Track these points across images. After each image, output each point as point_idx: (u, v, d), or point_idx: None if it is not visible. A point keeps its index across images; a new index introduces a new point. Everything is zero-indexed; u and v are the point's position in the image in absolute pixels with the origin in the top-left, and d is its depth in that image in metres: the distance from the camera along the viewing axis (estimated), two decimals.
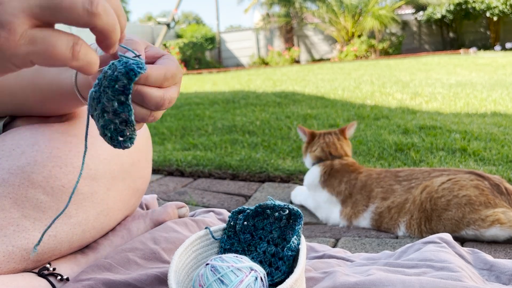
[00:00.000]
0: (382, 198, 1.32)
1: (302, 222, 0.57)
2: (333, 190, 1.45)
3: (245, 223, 0.62)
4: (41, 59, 0.31)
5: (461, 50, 9.90)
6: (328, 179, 1.48)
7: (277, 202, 0.60)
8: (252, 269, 0.48)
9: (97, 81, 0.38)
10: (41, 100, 0.59)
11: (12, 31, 0.29)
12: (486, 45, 11.14)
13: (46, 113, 0.63)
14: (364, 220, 1.34)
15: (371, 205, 1.33)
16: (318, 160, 1.55)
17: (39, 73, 0.57)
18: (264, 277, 0.50)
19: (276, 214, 0.60)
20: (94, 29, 0.33)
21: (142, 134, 0.74)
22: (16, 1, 0.29)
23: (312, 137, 1.62)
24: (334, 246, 1.22)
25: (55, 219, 0.42)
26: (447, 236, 0.75)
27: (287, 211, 0.59)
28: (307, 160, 1.61)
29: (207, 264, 0.49)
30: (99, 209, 0.63)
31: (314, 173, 1.53)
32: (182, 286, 0.53)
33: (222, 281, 0.46)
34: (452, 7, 10.69)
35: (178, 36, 13.60)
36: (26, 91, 0.59)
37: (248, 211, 0.62)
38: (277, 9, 12.84)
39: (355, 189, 1.40)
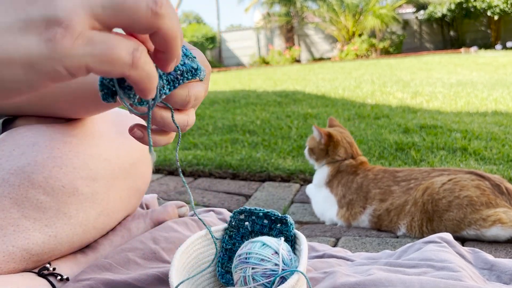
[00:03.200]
0: (380, 200, 1.31)
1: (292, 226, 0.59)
2: (333, 190, 1.45)
3: (246, 223, 0.62)
4: (98, 62, 0.27)
5: (462, 49, 9.89)
6: (331, 180, 1.48)
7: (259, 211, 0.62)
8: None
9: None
10: (71, 102, 0.58)
11: (70, 28, 0.26)
12: (487, 44, 11.13)
13: (71, 116, 0.62)
14: (363, 222, 1.34)
15: (369, 207, 1.33)
16: (335, 160, 1.49)
17: None
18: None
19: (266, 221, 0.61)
20: (156, 35, 0.29)
21: None
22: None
23: (330, 138, 1.49)
24: (335, 245, 1.22)
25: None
26: (448, 236, 0.75)
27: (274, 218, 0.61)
28: (321, 163, 1.52)
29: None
30: (99, 209, 0.63)
31: (323, 173, 1.50)
32: (183, 285, 0.53)
33: (266, 244, 0.52)
34: (453, 6, 10.67)
35: None
36: (56, 91, 0.57)
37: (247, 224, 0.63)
38: (278, 8, 12.84)
39: (350, 190, 1.39)
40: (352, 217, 1.36)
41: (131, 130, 0.38)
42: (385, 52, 11.15)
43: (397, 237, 1.25)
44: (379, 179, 1.35)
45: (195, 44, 12.13)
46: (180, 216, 0.84)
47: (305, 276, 0.48)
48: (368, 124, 2.71)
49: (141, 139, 0.40)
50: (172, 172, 2.11)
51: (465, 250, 0.73)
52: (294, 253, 0.57)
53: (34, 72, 0.26)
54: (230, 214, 0.65)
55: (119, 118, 0.71)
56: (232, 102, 4.07)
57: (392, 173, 1.36)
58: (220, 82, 6.62)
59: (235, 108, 3.71)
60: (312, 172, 1.82)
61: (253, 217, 0.62)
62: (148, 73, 0.29)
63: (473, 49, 9.66)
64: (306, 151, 1.58)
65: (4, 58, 0.26)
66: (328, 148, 1.49)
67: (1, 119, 0.65)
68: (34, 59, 0.26)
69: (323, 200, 1.47)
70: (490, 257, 0.70)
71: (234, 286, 0.55)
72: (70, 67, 0.27)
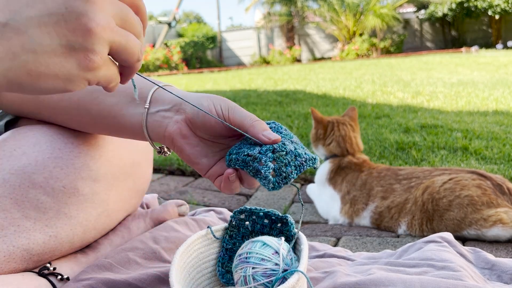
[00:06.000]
0: (382, 197, 1.31)
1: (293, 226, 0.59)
2: (336, 187, 1.45)
3: (247, 222, 0.62)
4: (108, 81, 0.38)
5: (463, 49, 9.88)
6: (334, 177, 1.47)
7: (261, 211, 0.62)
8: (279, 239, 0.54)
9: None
10: (92, 124, 0.60)
11: (100, 57, 0.35)
12: (488, 44, 11.12)
13: (94, 133, 0.64)
14: (364, 219, 1.34)
15: (371, 204, 1.33)
16: (333, 155, 1.50)
17: (91, 98, 0.58)
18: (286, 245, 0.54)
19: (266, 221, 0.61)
20: (132, 68, 0.40)
21: None
22: (105, 32, 0.34)
23: (325, 126, 1.51)
24: (335, 245, 1.22)
25: None
26: (448, 235, 0.75)
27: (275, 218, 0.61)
28: (320, 151, 1.54)
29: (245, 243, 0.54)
30: (100, 210, 0.63)
31: (324, 170, 1.50)
32: (183, 285, 0.53)
33: (267, 244, 0.52)
34: (454, 6, 10.66)
35: (179, 35, 13.61)
36: (72, 112, 0.60)
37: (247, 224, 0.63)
38: (278, 8, 12.83)
39: (354, 187, 1.39)
40: (355, 213, 1.36)
41: (229, 174, 0.50)
42: (386, 52, 11.14)
43: (398, 236, 1.25)
44: (382, 177, 1.35)
45: (195, 43, 12.13)
46: (180, 215, 0.84)
47: (305, 276, 0.48)
48: (369, 124, 2.71)
49: (231, 184, 0.52)
50: (173, 172, 2.11)
51: (465, 249, 0.73)
52: (295, 253, 0.57)
53: (70, 83, 0.35)
54: (231, 213, 0.65)
55: None
56: (232, 101, 4.06)
57: (395, 171, 1.36)
58: (220, 81, 6.62)
59: None
60: (312, 172, 1.82)
61: (254, 217, 0.62)
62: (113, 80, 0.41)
63: (474, 48, 9.65)
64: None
65: (52, 75, 0.34)
66: (317, 131, 1.54)
67: (4, 120, 0.65)
68: (72, 76, 0.35)
69: (327, 199, 1.47)
70: (491, 256, 0.70)
71: (234, 285, 0.55)
72: (91, 82, 0.37)
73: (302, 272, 0.48)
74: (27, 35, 0.32)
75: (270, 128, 0.54)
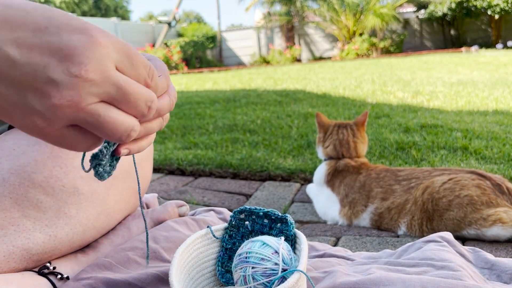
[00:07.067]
0: (381, 198, 1.31)
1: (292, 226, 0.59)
2: (334, 189, 1.46)
3: (246, 222, 0.62)
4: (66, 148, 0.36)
5: (463, 48, 9.88)
6: (332, 180, 1.48)
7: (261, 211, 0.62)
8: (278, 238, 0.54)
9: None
10: None
11: (50, 126, 0.32)
12: (487, 43, 11.12)
13: None
14: (364, 220, 1.34)
15: (370, 205, 1.33)
16: (330, 157, 1.52)
17: None
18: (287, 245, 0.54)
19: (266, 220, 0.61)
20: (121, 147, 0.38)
21: None
22: (68, 108, 0.30)
23: (325, 129, 1.54)
24: (335, 245, 1.22)
25: None
26: (448, 235, 0.75)
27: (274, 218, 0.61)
28: (320, 152, 1.57)
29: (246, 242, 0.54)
30: (99, 209, 0.63)
31: (321, 171, 1.52)
32: (183, 284, 0.53)
33: (266, 244, 0.52)
34: (453, 5, 10.66)
35: (179, 35, 13.61)
36: None
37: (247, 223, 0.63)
38: (278, 7, 12.84)
39: (353, 189, 1.40)
40: (354, 215, 1.36)
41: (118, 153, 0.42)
42: (386, 52, 11.14)
43: (398, 236, 1.25)
44: (381, 178, 1.35)
45: (195, 43, 12.13)
46: (180, 216, 0.84)
47: (306, 275, 0.48)
48: (369, 124, 2.71)
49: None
50: (173, 172, 2.11)
51: (465, 249, 0.73)
52: (294, 253, 0.57)
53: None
54: (231, 213, 0.65)
55: None
56: (232, 101, 4.07)
57: (394, 172, 1.36)
58: (220, 81, 6.61)
59: (235, 108, 3.71)
60: (312, 172, 1.82)
61: (253, 217, 0.62)
62: (139, 147, 0.39)
63: (474, 48, 9.65)
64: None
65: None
66: (319, 134, 1.57)
67: (7, 124, 0.65)
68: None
69: (325, 199, 1.47)
70: (490, 256, 0.70)
71: (234, 285, 0.55)
72: (51, 143, 0.34)
73: (302, 272, 0.48)
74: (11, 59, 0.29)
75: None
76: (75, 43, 0.30)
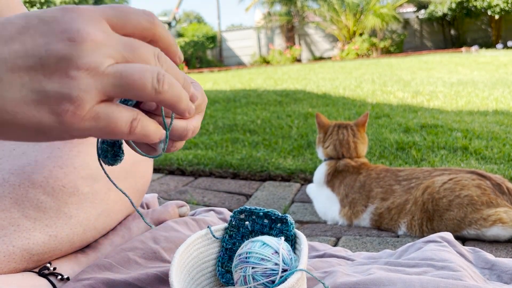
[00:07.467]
0: (381, 198, 1.31)
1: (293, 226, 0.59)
2: (334, 190, 1.46)
3: (246, 222, 0.62)
4: (100, 134, 0.32)
5: (463, 49, 9.88)
6: (332, 180, 1.48)
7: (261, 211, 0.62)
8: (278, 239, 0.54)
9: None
10: None
11: (81, 107, 0.29)
12: (488, 43, 11.12)
13: None
14: (364, 221, 1.34)
15: (370, 206, 1.33)
16: (330, 158, 1.52)
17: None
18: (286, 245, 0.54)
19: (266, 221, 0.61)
20: (161, 103, 0.34)
21: None
22: (90, 77, 0.29)
23: (326, 130, 1.55)
24: (335, 245, 1.22)
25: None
26: (448, 235, 0.75)
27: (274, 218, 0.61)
28: (320, 153, 1.57)
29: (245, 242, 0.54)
30: (100, 209, 0.63)
31: (321, 171, 1.52)
32: (183, 285, 0.53)
33: (266, 244, 0.52)
34: (453, 5, 10.67)
35: (180, 35, 13.61)
36: None
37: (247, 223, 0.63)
38: (278, 7, 12.84)
39: (353, 189, 1.40)
40: (354, 215, 1.36)
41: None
42: (386, 52, 11.14)
43: (398, 236, 1.25)
44: (381, 178, 1.35)
45: (195, 43, 12.14)
46: (180, 216, 0.84)
47: (309, 273, 0.48)
48: (369, 124, 2.71)
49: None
50: (173, 172, 2.11)
51: (465, 249, 0.73)
52: (294, 253, 0.57)
53: (42, 135, 0.30)
54: (231, 213, 0.65)
55: None
56: (232, 101, 4.07)
57: (394, 172, 1.36)
58: (220, 81, 6.62)
59: (235, 108, 3.71)
60: (312, 172, 1.82)
61: (253, 217, 0.62)
62: (144, 134, 0.34)
63: (474, 48, 9.65)
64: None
65: (19, 124, 0.29)
66: (319, 135, 1.58)
67: None
68: (44, 128, 0.29)
69: (325, 199, 1.48)
70: (490, 256, 0.70)
71: (234, 285, 0.55)
72: (75, 136, 0.31)
73: (304, 270, 0.48)
74: None
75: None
76: (63, 18, 0.29)
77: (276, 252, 0.51)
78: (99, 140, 0.41)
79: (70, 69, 0.28)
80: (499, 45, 10.30)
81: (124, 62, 0.31)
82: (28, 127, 0.29)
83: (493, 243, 1.13)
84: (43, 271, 0.58)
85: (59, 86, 0.28)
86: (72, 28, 0.29)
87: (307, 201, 1.62)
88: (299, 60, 12.30)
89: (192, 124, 0.41)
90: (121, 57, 0.31)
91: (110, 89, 0.30)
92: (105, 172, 0.42)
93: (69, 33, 0.28)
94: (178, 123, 0.40)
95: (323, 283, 0.49)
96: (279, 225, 0.61)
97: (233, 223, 0.62)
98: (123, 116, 0.32)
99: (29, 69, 0.28)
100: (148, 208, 0.90)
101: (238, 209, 0.62)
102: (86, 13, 0.30)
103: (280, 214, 0.60)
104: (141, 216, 0.45)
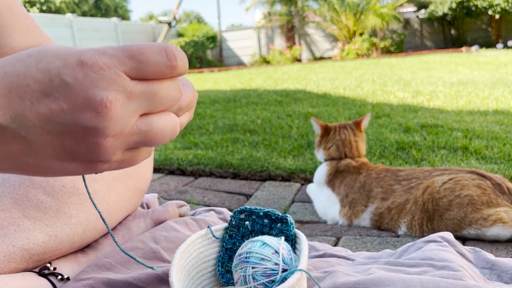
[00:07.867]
0: (382, 198, 1.31)
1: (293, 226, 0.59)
2: (334, 190, 1.46)
3: (247, 222, 0.62)
4: (122, 168, 0.35)
5: (463, 48, 9.88)
6: (332, 180, 1.48)
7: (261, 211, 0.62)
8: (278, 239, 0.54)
9: None
10: None
11: (108, 164, 0.33)
12: (488, 43, 11.12)
13: None
14: (364, 220, 1.34)
15: (371, 205, 1.33)
16: (331, 158, 1.52)
17: None
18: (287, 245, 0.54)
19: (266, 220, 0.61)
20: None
21: None
22: (116, 140, 0.31)
23: (327, 131, 1.55)
24: (335, 245, 1.22)
25: None
26: (448, 235, 0.75)
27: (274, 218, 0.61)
28: (320, 154, 1.57)
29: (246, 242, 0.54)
30: (100, 209, 0.63)
31: (322, 171, 1.52)
32: (183, 284, 0.53)
33: (267, 244, 0.52)
34: (454, 5, 10.66)
35: (180, 35, 13.61)
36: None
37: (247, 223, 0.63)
38: (279, 7, 12.84)
39: (353, 189, 1.40)
40: (354, 215, 1.36)
41: None
42: (386, 51, 11.14)
43: (398, 236, 1.25)
44: (381, 178, 1.35)
45: (195, 43, 12.13)
46: (180, 216, 0.84)
47: (308, 274, 0.48)
48: (369, 124, 2.71)
49: None
50: (173, 172, 2.11)
51: (465, 249, 0.73)
52: (295, 253, 0.57)
53: (73, 175, 0.34)
54: (231, 213, 0.65)
55: None
56: (232, 101, 4.07)
57: (394, 172, 1.36)
58: (220, 81, 6.62)
59: (235, 108, 3.71)
60: (312, 172, 1.82)
61: (254, 217, 0.62)
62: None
63: (474, 48, 9.65)
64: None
65: (53, 174, 0.33)
66: (322, 139, 1.57)
67: None
68: (76, 173, 0.33)
69: (325, 199, 1.48)
70: (491, 256, 0.70)
71: (234, 285, 0.55)
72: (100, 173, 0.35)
73: (304, 271, 0.48)
74: (26, 141, 0.30)
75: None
76: (84, 82, 0.29)
77: (276, 252, 0.51)
78: None
79: (97, 139, 0.30)
80: (500, 45, 10.30)
81: (146, 112, 0.32)
82: (62, 174, 0.33)
83: (493, 243, 1.13)
84: (43, 271, 0.58)
85: (88, 151, 0.31)
86: (95, 96, 0.29)
87: (307, 201, 1.62)
88: (299, 60, 12.30)
89: (179, 121, 0.42)
90: (143, 110, 0.32)
91: (133, 144, 0.33)
92: (85, 184, 0.42)
93: (93, 103, 0.29)
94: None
95: (317, 283, 0.49)
96: (279, 225, 0.61)
97: (233, 223, 0.62)
98: (144, 155, 0.36)
99: (58, 133, 0.30)
100: (148, 208, 0.90)
101: (238, 209, 0.62)
102: (106, 73, 0.29)
103: (280, 214, 0.60)
104: (116, 243, 0.45)
